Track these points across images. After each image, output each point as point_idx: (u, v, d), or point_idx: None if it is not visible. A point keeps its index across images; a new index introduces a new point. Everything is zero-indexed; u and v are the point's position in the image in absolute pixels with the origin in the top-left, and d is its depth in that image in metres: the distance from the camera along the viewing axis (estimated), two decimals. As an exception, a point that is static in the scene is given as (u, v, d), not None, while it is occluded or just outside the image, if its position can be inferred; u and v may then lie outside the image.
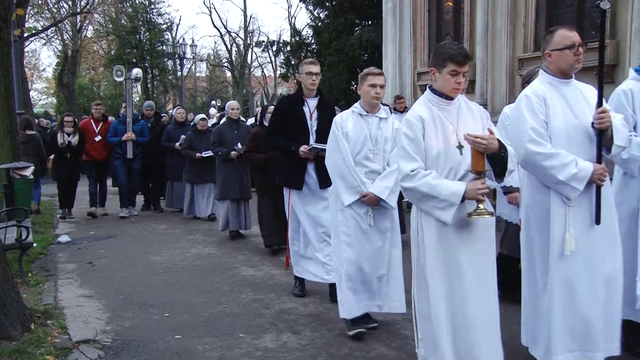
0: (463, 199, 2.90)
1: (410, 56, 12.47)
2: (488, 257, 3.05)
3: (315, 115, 4.92)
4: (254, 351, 3.92)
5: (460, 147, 2.99)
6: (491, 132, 2.93)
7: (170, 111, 11.79)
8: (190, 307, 4.87)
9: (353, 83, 19.12)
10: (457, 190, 2.89)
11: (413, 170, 2.96)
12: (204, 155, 8.72)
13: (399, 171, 3.04)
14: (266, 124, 6.39)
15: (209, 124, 10.40)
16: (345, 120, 4.13)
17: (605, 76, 7.02)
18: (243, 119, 10.53)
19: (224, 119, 12.80)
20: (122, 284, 5.60)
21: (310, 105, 4.93)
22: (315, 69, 4.89)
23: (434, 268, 2.99)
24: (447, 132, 3.02)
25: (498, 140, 2.89)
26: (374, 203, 4.02)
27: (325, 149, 4.39)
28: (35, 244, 6.31)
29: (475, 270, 2.97)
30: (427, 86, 3.16)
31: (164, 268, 6.20)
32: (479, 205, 2.92)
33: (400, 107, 9.84)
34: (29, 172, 7.56)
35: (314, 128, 4.88)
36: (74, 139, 8.95)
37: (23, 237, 5.56)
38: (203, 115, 9.85)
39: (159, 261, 6.51)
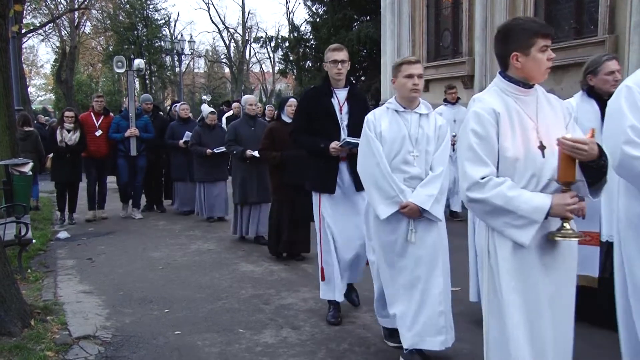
0: (546, 216, 2.35)
1: (409, 52, 12.43)
2: (570, 287, 2.52)
3: (345, 108, 4.32)
4: (254, 347, 3.92)
5: (542, 147, 2.42)
6: (592, 134, 2.32)
7: (171, 108, 11.13)
8: (190, 302, 4.87)
9: (352, 79, 19.15)
10: (541, 205, 2.33)
11: (484, 177, 2.38)
12: (216, 152, 8.15)
13: (465, 178, 2.44)
14: (284, 118, 6.07)
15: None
16: (379, 118, 3.55)
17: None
18: (267, 118, 10.05)
19: (228, 114, 12.48)
20: (121, 279, 5.61)
21: (340, 97, 4.34)
22: (341, 55, 4.27)
23: (510, 296, 2.41)
24: (526, 129, 2.43)
25: (597, 144, 2.32)
26: (415, 215, 3.42)
27: (356, 143, 3.92)
28: (34, 240, 6.31)
29: (555, 305, 2.44)
30: (498, 72, 2.61)
31: (164, 264, 6.20)
32: (564, 224, 2.36)
33: (452, 97, 8.38)
34: (27, 169, 7.56)
35: (345, 122, 4.30)
36: (75, 136, 8.13)
37: (22, 234, 5.56)
38: (212, 109, 9.13)
39: (158, 257, 6.51)
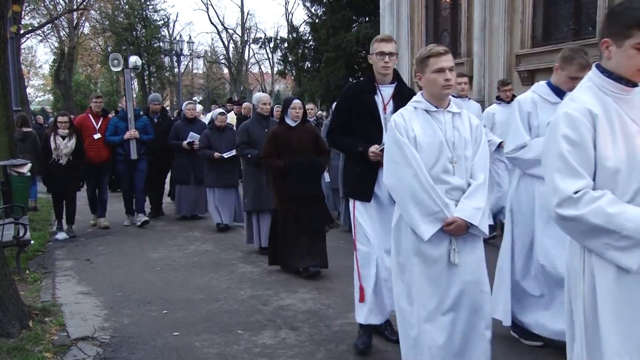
0: None
1: (407, 52, 12.45)
2: None
3: (390, 106, 3.84)
4: (253, 347, 3.92)
5: None
6: None
7: (181, 109, 10.36)
8: (188, 303, 4.87)
9: (350, 79, 19.16)
10: None
11: (578, 191, 2.02)
12: (225, 156, 7.67)
13: (555, 192, 2.06)
14: (288, 121, 5.62)
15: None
16: (410, 121, 3.04)
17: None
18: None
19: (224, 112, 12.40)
20: (120, 280, 5.60)
21: (384, 94, 3.85)
22: (389, 47, 3.79)
23: (610, 337, 2.03)
24: (630, 135, 2.07)
25: None
26: (461, 232, 2.95)
27: None
28: (32, 241, 6.31)
29: None
30: (594, 65, 2.21)
31: (162, 265, 6.19)
32: None
33: (506, 95, 7.04)
34: (26, 169, 7.56)
35: (388, 123, 3.77)
36: (70, 143, 7.35)
37: (20, 235, 5.56)
38: (222, 110, 8.51)
39: (156, 258, 6.50)
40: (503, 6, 9.61)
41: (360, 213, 3.84)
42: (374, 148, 3.72)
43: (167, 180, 9.52)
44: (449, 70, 2.99)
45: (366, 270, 3.78)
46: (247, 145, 6.41)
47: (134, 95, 35.30)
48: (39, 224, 8.43)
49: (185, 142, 8.40)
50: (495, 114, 6.64)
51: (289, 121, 5.67)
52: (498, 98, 7.04)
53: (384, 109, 3.84)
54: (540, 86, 3.81)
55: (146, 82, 33.18)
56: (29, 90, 34.84)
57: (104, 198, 8.28)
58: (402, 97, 3.78)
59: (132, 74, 9.16)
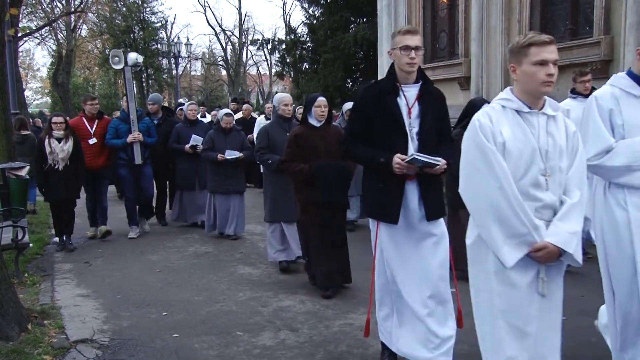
0: None
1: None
2: None
3: (416, 110, 3.34)
4: (252, 349, 3.92)
5: None
6: None
7: (176, 109, 9.99)
8: (187, 305, 4.87)
9: (349, 81, 19.18)
10: None
11: None
12: (229, 158, 7.12)
13: None
14: (312, 121, 5.05)
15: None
16: (498, 122, 2.53)
17: (600, 72, 7.03)
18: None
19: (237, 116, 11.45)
20: (119, 283, 5.59)
21: (408, 95, 3.35)
22: (415, 40, 3.28)
23: None
24: None
25: None
26: (552, 260, 2.50)
27: (435, 164, 3.17)
28: (31, 244, 6.30)
29: None
30: None
31: (161, 267, 6.19)
32: None
33: (584, 88, 5.86)
34: (24, 172, 7.54)
35: (415, 129, 3.33)
36: (67, 146, 6.72)
37: (19, 238, 5.55)
38: (228, 110, 7.89)
39: (156, 260, 6.50)
40: (500, 7, 9.62)
41: (384, 237, 3.37)
42: (398, 158, 3.22)
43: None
44: (553, 64, 2.49)
45: (382, 304, 3.50)
46: (267, 150, 5.77)
47: (122, 99, 35.11)
48: (38, 226, 8.42)
49: (187, 146, 7.88)
50: (569, 110, 5.50)
51: (312, 121, 5.05)
52: (573, 91, 5.93)
53: (409, 112, 3.33)
54: (620, 78, 3.21)
55: (144, 84, 33.17)
56: (27, 93, 34.84)
57: (103, 205, 7.68)
58: (429, 98, 3.39)
59: (132, 71, 8.29)
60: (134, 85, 33.26)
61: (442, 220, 3.42)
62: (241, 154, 7.22)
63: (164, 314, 4.67)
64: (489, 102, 5.07)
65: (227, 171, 7.26)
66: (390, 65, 3.44)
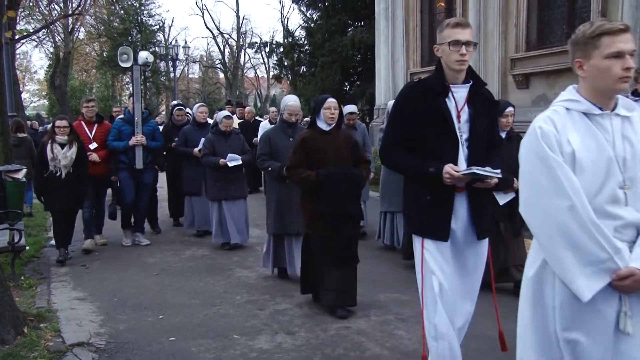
0: None
1: (403, 56, 12.49)
2: None
3: (465, 113, 2.98)
4: (249, 352, 3.91)
5: None
6: None
7: (173, 112, 9.03)
8: (184, 308, 4.86)
9: (346, 84, 19.20)
10: None
11: None
12: (231, 164, 6.77)
13: None
14: (321, 125, 4.61)
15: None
16: (564, 128, 2.11)
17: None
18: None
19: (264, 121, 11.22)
20: (115, 286, 5.58)
21: (458, 97, 2.98)
22: (465, 34, 2.89)
23: None
24: None
25: None
26: (638, 288, 2.06)
27: (492, 176, 2.86)
28: (28, 247, 6.28)
29: None
30: None
31: (158, 270, 6.18)
32: None
33: None
34: (21, 175, 7.51)
35: (464, 135, 2.97)
36: (71, 152, 6.30)
37: (16, 240, 5.55)
38: (227, 112, 7.44)
39: (153, 263, 6.49)
40: (497, 10, 9.66)
41: (432, 256, 3.00)
42: (450, 169, 2.86)
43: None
44: (630, 55, 2.06)
45: (433, 313, 3.01)
46: (269, 156, 5.41)
47: (128, 100, 35.17)
48: (34, 229, 8.39)
49: (196, 150, 7.47)
50: None
51: (321, 124, 4.62)
52: (635, 93, 5.45)
53: (458, 116, 2.96)
54: None
55: (142, 87, 33.16)
56: (24, 95, 34.78)
57: (101, 214, 7.33)
58: (480, 100, 3.03)
59: (139, 73, 7.74)
60: (131, 87, 33.37)
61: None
62: (239, 158, 6.92)
63: (161, 317, 4.66)
64: (512, 106, 4.98)
65: (229, 176, 6.87)
66: (437, 63, 3.05)
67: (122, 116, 7.75)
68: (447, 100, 2.97)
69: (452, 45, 2.89)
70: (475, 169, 2.84)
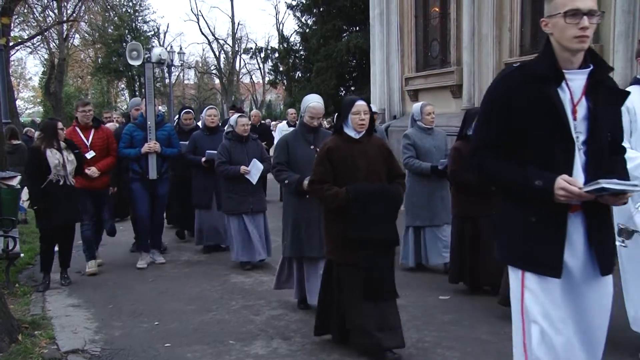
0: None
1: (397, 61, 12.52)
2: None
3: (583, 107, 2.28)
4: (245, 358, 3.91)
5: None
6: None
7: (180, 116, 8.32)
8: (180, 314, 4.84)
9: (341, 89, 19.24)
10: None
11: None
12: (254, 179, 6.06)
13: None
14: (349, 132, 3.85)
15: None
16: None
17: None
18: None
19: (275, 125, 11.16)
20: (111, 292, 5.56)
21: (574, 86, 2.27)
22: (586, 2, 2.19)
23: None
24: None
25: None
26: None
27: (630, 190, 2.20)
28: (22, 254, 6.26)
29: None
30: None
31: (154, 276, 6.16)
32: None
33: None
34: (15, 182, 7.49)
35: (581, 137, 2.27)
36: (72, 157, 5.69)
37: (10, 248, 5.52)
38: (241, 113, 6.71)
39: (148, 269, 6.46)
40: (491, 15, 9.70)
41: (536, 297, 2.26)
42: (564, 182, 2.15)
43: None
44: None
45: None
46: (286, 165, 4.65)
47: (125, 107, 35.21)
48: (29, 236, 8.35)
49: (203, 159, 6.81)
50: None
51: (349, 132, 3.85)
52: None
53: (574, 111, 2.26)
54: None
55: (137, 93, 33.13)
56: (18, 102, 34.66)
57: (100, 231, 6.65)
58: (603, 91, 2.29)
59: (152, 72, 6.81)
60: (127, 94, 33.36)
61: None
62: (260, 167, 6.14)
63: (156, 323, 4.65)
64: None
65: (248, 187, 6.13)
66: (546, 41, 2.33)
67: (114, 122, 7.43)
68: (559, 90, 2.26)
69: (569, 16, 2.17)
70: (605, 183, 2.10)
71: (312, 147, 4.58)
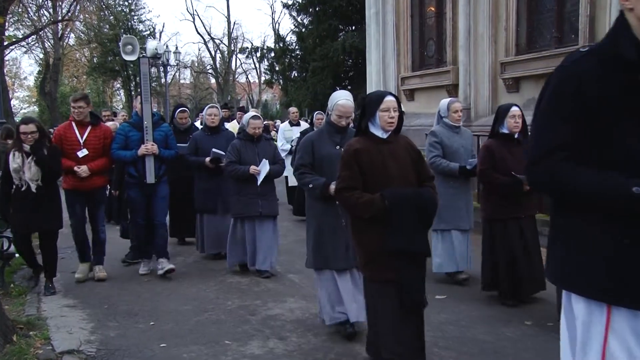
0: None
1: (393, 61, 12.54)
2: None
3: None
4: (241, 358, 3.90)
5: None
6: None
7: (174, 115, 7.74)
8: (176, 315, 4.83)
9: (337, 89, 19.25)
10: None
11: None
12: (261, 179, 5.76)
13: None
14: (375, 131, 3.45)
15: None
16: None
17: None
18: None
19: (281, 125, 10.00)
20: (106, 293, 5.54)
21: None
22: None
23: None
24: None
25: None
26: None
27: None
28: (17, 255, 6.22)
29: None
30: None
31: (150, 276, 6.13)
32: None
33: None
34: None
35: None
36: (31, 165, 5.17)
37: (5, 248, 5.50)
38: (255, 112, 6.35)
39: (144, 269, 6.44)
40: (487, 14, 9.72)
41: (624, 340, 1.82)
42: None
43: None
44: None
45: None
46: (311, 168, 4.22)
47: (121, 107, 35.17)
48: (24, 236, 8.32)
49: (207, 159, 6.41)
50: None
51: (376, 131, 3.44)
52: None
53: None
54: None
55: (133, 93, 33.09)
56: (13, 102, 34.68)
57: (100, 238, 6.06)
58: None
59: (148, 67, 6.31)
60: (122, 94, 33.29)
61: None
62: (267, 167, 5.83)
63: (152, 323, 4.63)
64: (517, 106, 4.97)
65: (258, 189, 5.80)
66: (618, 21, 1.90)
67: (115, 121, 7.24)
68: None
69: None
70: None
71: (337, 147, 4.14)
